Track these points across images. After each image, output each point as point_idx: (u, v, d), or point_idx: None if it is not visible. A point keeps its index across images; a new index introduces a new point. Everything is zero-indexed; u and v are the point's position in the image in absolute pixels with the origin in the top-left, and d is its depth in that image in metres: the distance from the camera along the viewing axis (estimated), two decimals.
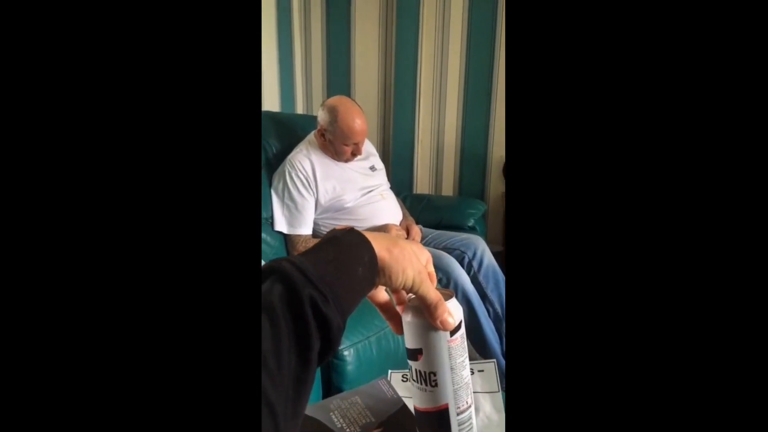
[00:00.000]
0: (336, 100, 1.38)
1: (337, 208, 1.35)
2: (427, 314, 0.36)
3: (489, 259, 1.32)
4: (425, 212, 1.64)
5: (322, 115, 1.35)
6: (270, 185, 1.37)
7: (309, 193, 1.32)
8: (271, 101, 2.08)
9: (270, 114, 1.60)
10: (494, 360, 0.54)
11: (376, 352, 1.06)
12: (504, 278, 1.32)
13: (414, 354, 0.38)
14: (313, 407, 0.47)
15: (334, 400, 0.48)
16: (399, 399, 0.47)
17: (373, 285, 0.34)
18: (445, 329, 0.37)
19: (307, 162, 1.33)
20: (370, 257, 0.33)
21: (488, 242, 1.41)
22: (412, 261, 0.35)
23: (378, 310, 0.39)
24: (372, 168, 1.47)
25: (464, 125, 1.99)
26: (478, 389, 0.50)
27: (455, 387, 0.39)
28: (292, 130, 1.53)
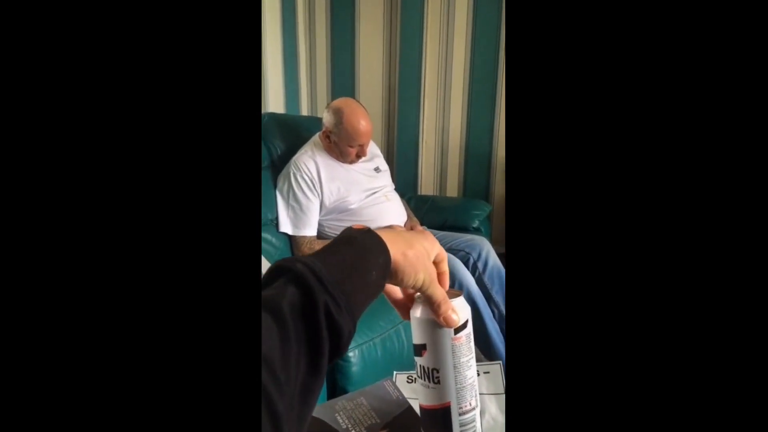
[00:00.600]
0: (341, 102, 1.38)
1: (341, 210, 1.35)
2: (432, 311, 0.37)
3: (494, 260, 1.32)
4: (430, 213, 1.64)
5: (327, 117, 1.35)
6: (275, 186, 1.37)
7: (314, 194, 1.33)
8: (275, 103, 2.09)
9: (274, 116, 1.61)
10: (500, 362, 0.54)
11: (381, 353, 1.06)
12: None
13: (419, 349, 0.39)
14: (319, 408, 0.47)
15: (340, 401, 0.48)
16: (404, 400, 0.47)
17: (383, 287, 0.34)
18: (448, 326, 0.37)
19: (312, 163, 1.34)
20: (385, 260, 0.32)
21: (493, 243, 1.40)
22: (425, 263, 0.35)
23: (387, 299, 0.39)
24: (377, 169, 1.47)
25: (469, 126, 1.99)
26: (484, 391, 0.50)
27: (458, 386, 0.39)
28: (297, 132, 1.53)
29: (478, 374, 0.51)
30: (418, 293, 0.38)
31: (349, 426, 0.44)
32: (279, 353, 0.24)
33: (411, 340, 1.18)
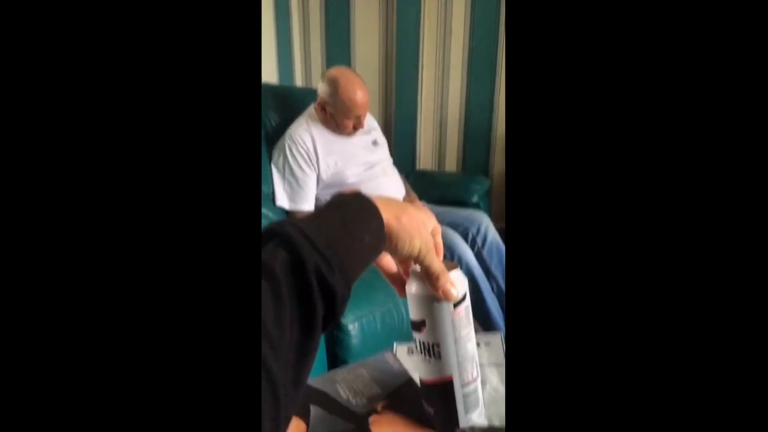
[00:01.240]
0: (336, 71, 1.34)
1: (339, 184, 1.33)
2: (430, 284, 0.36)
3: (493, 235, 1.32)
4: (428, 189, 1.63)
5: (322, 88, 1.31)
6: (270, 160, 1.34)
7: (310, 168, 1.30)
8: (268, 73, 2.03)
9: (268, 87, 1.57)
10: (500, 333, 0.54)
11: (381, 326, 1.07)
12: None
13: (418, 325, 0.38)
14: (320, 379, 0.47)
15: (341, 373, 0.47)
16: (405, 371, 0.47)
17: (379, 253, 0.33)
18: (447, 300, 0.36)
19: (307, 136, 1.30)
20: (378, 224, 0.32)
21: (492, 218, 1.40)
22: (419, 230, 0.35)
23: (383, 275, 0.39)
24: (374, 142, 1.44)
25: (468, 99, 1.95)
26: (485, 362, 0.49)
27: (459, 359, 0.38)
28: (291, 104, 1.49)
29: (479, 345, 0.51)
30: (414, 268, 0.38)
31: (350, 397, 0.44)
32: (272, 313, 0.24)
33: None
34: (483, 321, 1.21)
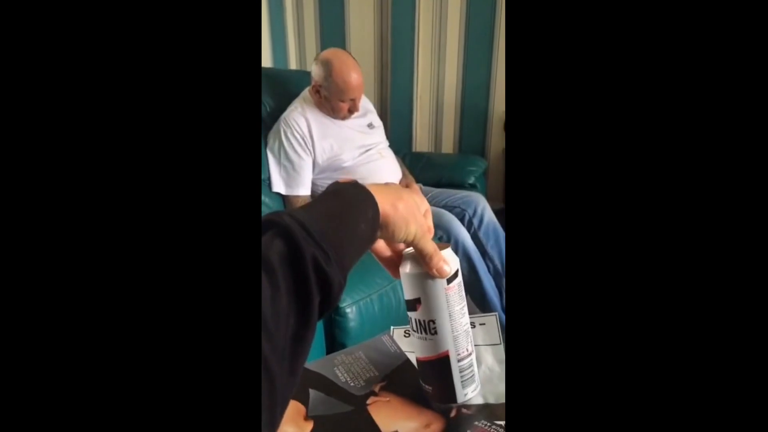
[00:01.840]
0: (330, 53, 1.31)
1: (335, 168, 1.32)
2: (423, 264, 0.37)
3: (489, 216, 1.32)
4: (425, 170, 1.62)
5: (315, 70, 1.29)
6: (265, 145, 1.33)
7: (306, 153, 1.29)
8: (261, 56, 1.99)
9: (262, 70, 1.54)
10: (495, 313, 0.55)
11: (378, 308, 1.08)
12: (504, 235, 1.32)
13: (413, 304, 0.39)
14: (318, 362, 0.47)
15: (339, 356, 0.48)
16: (402, 353, 0.48)
17: (375, 240, 0.34)
18: (441, 277, 0.37)
19: (302, 120, 1.29)
20: (374, 213, 0.32)
21: (489, 199, 1.40)
22: (415, 215, 0.35)
23: (376, 259, 0.39)
24: (370, 125, 1.43)
25: (464, 79, 1.92)
26: (480, 342, 0.50)
27: (455, 334, 0.39)
28: (286, 87, 1.47)
29: (474, 326, 0.51)
30: (406, 250, 0.38)
31: (348, 379, 0.45)
32: (269, 303, 0.24)
33: None
34: (479, 302, 1.22)
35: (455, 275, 0.38)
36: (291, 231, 0.27)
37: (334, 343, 1.02)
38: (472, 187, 1.60)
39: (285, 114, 1.32)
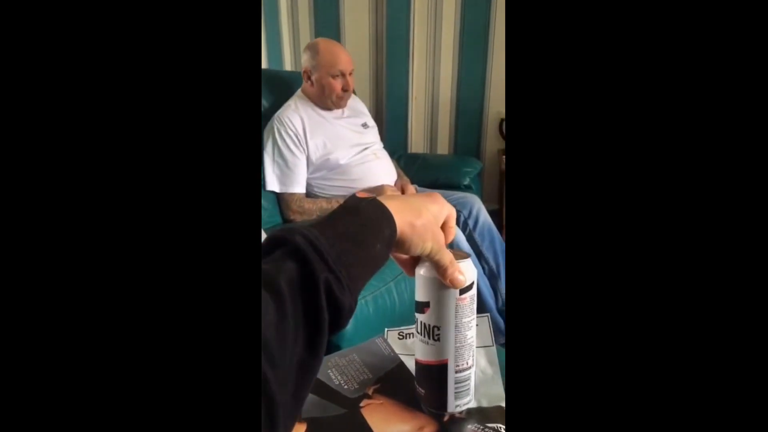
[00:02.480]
0: (315, 39, 1.37)
1: (330, 167, 1.32)
2: (439, 275, 0.36)
3: (485, 217, 1.32)
4: (420, 172, 1.63)
5: (304, 58, 1.33)
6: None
7: (299, 150, 1.29)
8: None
9: None
10: (488, 314, 0.55)
11: (373, 310, 1.08)
12: (499, 236, 1.33)
13: (421, 306, 0.39)
14: None
15: (333, 358, 0.48)
16: (396, 356, 0.48)
17: (387, 259, 0.32)
18: (454, 287, 0.37)
19: (296, 117, 1.29)
20: (391, 232, 0.31)
21: (484, 200, 1.40)
22: (433, 232, 0.35)
23: (392, 258, 0.38)
24: (364, 125, 1.44)
25: (459, 81, 1.93)
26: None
27: (457, 345, 0.39)
28: (281, 88, 1.47)
29: None
30: None
31: (342, 382, 0.45)
32: (274, 330, 0.23)
33: (401, 297, 1.19)
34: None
35: (469, 287, 0.38)
36: (304, 254, 0.25)
37: (329, 345, 1.02)
38: (468, 188, 1.61)
39: (279, 112, 1.32)
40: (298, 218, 1.30)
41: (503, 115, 1.86)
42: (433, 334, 0.38)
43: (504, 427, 0.39)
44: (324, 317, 0.25)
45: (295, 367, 0.24)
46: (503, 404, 0.42)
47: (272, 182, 1.30)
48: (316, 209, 1.29)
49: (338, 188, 1.32)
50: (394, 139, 1.95)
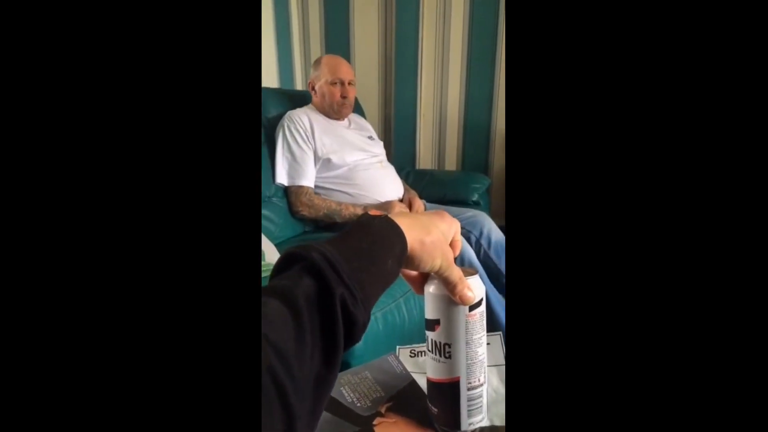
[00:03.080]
0: (320, 56, 1.47)
1: (339, 166, 1.34)
2: (448, 291, 0.37)
3: (497, 235, 1.32)
4: (429, 187, 1.63)
5: (311, 74, 1.43)
6: (271, 159, 1.36)
7: (307, 145, 1.34)
8: (269, 78, 2.04)
9: (268, 90, 1.58)
10: (500, 332, 0.55)
11: (383, 327, 1.07)
12: None
13: (432, 324, 0.39)
14: None
15: (345, 375, 0.48)
16: (408, 374, 0.48)
17: (398, 275, 0.33)
18: (464, 304, 0.37)
19: (305, 117, 1.36)
20: (401, 248, 0.32)
21: (492, 216, 1.40)
22: (442, 249, 0.35)
23: (401, 275, 0.39)
24: (370, 137, 1.49)
25: (467, 97, 1.95)
26: (486, 363, 0.50)
27: (468, 362, 0.39)
28: (294, 99, 1.53)
29: None
30: None
31: (355, 399, 0.45)
32: (293, 345, 0.23)
33: (411, 313, 1.18)
34: (488, 321, 1.21)
35: (479, 303, 0.38)
36: (320, 269, 0.26)
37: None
38: (476, 204, 1.61)
39: (288, 112, 1.39)
40: (306, 211, 1.33)
41: None
42: (445, 351, 0.38)
43: None
44: (340, 332, 0.26)
45: (312, 381, 0.24)
46: None
47: (281, 176, 1.35)
48: (324, 207, 1.31)
49: (342, 194, 1.34)
50: (402, 155, 1.96)
